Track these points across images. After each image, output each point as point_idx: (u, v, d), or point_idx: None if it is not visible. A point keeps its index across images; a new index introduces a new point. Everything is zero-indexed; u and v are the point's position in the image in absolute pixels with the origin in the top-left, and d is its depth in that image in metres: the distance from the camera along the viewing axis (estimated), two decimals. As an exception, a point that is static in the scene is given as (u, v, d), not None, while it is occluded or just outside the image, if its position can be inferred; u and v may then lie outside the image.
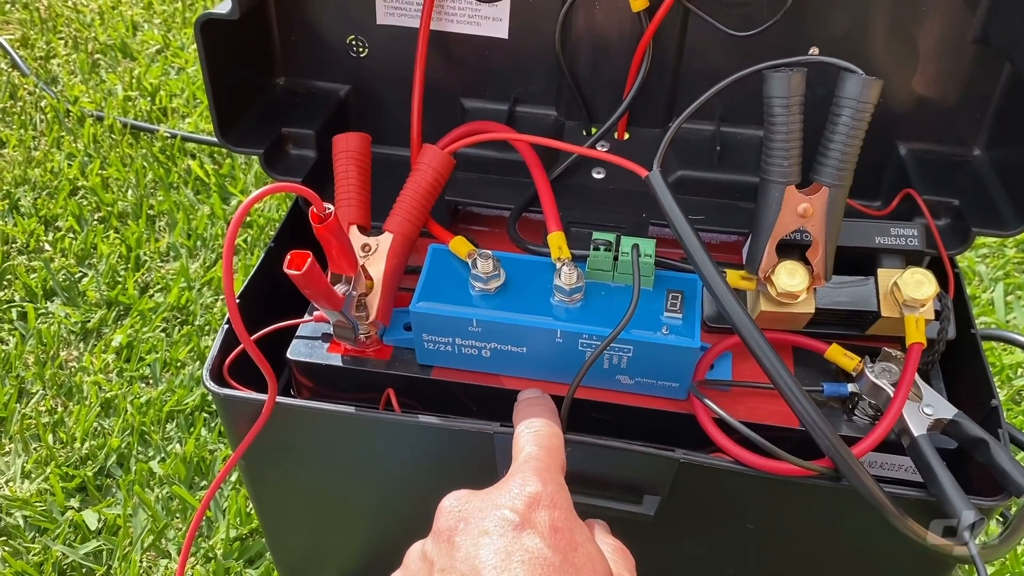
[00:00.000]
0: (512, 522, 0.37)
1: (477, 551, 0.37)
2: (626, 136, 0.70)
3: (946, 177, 0.64)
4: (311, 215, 0.49)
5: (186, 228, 1.15)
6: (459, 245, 0.56)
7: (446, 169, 0.59)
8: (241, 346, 0.58)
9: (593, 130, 0.69)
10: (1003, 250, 1.17)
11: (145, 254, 1.12)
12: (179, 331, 1.01)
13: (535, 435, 0.46)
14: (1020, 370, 0.97)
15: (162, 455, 0.88)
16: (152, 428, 0.90)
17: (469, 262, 0.54)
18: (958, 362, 0.60)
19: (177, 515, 0.83)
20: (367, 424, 0.54)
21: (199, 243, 1.13)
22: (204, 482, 0.85)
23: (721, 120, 0.67)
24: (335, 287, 0.54)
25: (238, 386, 0.56)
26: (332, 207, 0.49)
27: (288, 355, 0.58)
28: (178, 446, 0.88)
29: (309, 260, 0.47)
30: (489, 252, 0.54)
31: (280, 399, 0.54)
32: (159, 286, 1.08)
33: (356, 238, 0.57)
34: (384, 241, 0.57)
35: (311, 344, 0.59)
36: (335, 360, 0.58)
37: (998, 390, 0.90)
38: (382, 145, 0.73)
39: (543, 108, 0.70)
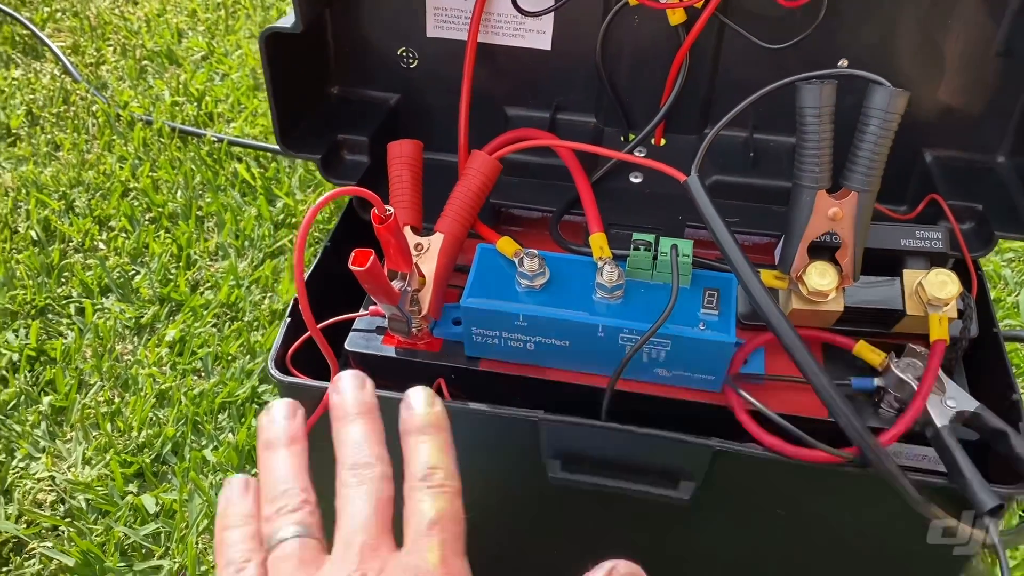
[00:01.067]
0: None
1: None
2: (662, 142, 0.73)
3: (970, 183, 0.67)
4: (373, 216, 0.53)
5: (234, 229, 1.19)
6: (506, 245, 0.59)
7: (494, 174, 0.62)
8: (302, 337, 0.62)
9: (631, 136, 0.72)
10: (1030, 254, 1.19)
11: (195, 253, 1.17)
12: (229, 326, 1.06)
13: (434, 492, 0.40)
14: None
15: (215, 444, 0.92)
16: (205, 418, 0.95)
17: (516, 261, 0.58)
18: (980, 359, 0.63)
19: (202, 498, 0.87)
20: (420, 411, 0.58)
21: (246, 243, 1.17)
22: (255, 470, 0.89)
23: (754, 128, 0.71)
24: (392, 283, 0.58)
25: (300, 375, 0.60)
26: (392, 209, 0.53)
27: (346, 346, 0.62)
28: (230, 435, 0.92)
29: (372, 257, 0.51)
30: (535, 251, 0.57)
31: (341, 387, 0.57)
32: (209, 284, 1.12)
33: (410, 238, 0.61)
34: (435, 241, 0.60)
35: (367, 336, 0.63)
36: (389, 351, 0.62)
37: (1020, 387, 0.92)
38: (430, 151, 0.76)
39: (583, 115, 0.74)
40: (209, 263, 1.16)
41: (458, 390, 0.63)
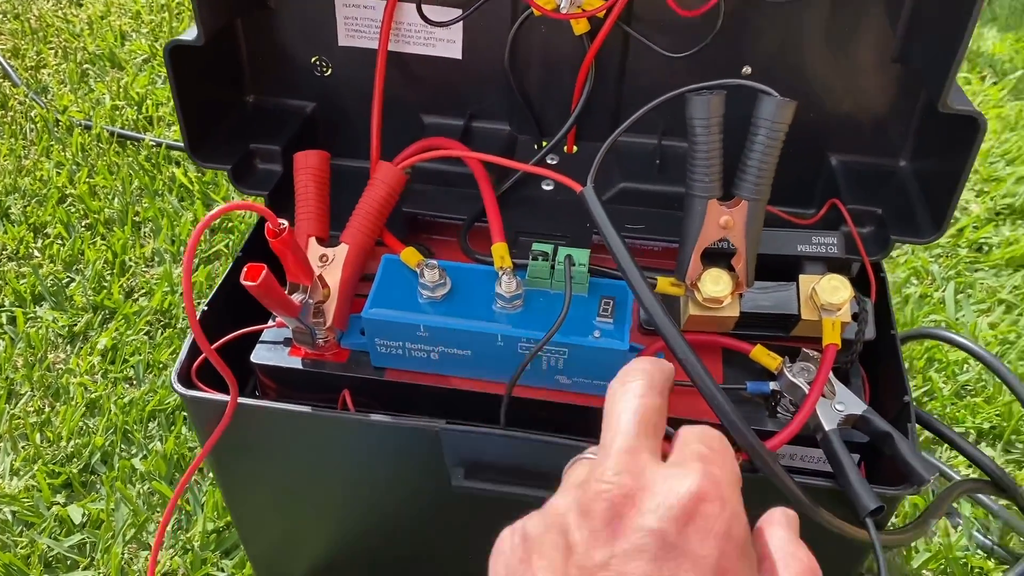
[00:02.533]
0: (671, 545, 0.31)
1: (629, 565, 0.31)
2: (575, 149, 0.74)
3: (872, 187, 0.68)
4: (267, 230, 0.53)
5: (170, 234, 1.19)
6: (409, 255, 0.60)
7: (399, 184, 0.63)
8: (226, 338, 0.63)
9: (544, 143, 0.73)
10: (956, 250, 1.21)
11: (130, 259, 1.16)
12: (162, 334, 1.05)
13: (699, 432, 0.36)
14: (966, 366, 1.01)
15: (144, 452, 0.92)
16: (135, 427, 0.94)
17: (417, 271, 0.58)
18: (879, 361, 0.64)
19: (158, 509, 0.87)
20: (322, 423, 0.58)
21: (182, 248, 1.17)
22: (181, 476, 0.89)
23: (663, 134, 0.71)
24: (293, 295, 0.58)
25: (206, 388, 0.61)
26: (286, 223, 0.53)
27: (252, 358, 0.62)
28: (159, 444, 0.92)
29: (264, 272, 0.51)
30: (435, 262, 0.58)
31: (241, 400, 0.58)
32: (143, 291, 1.12)
33: (314, 249, 0.61)
34: (340, 252, 0.61)
35: (274, 348, 0.63)
36: (296, 363, 0.62)
37: (943, 385, 0.94)
38: (348, 158, 0.77)
39: (497, 123, 0.74)
40: (144, 269, 1.15)
41: (369, 399, 0.63)
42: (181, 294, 1.10)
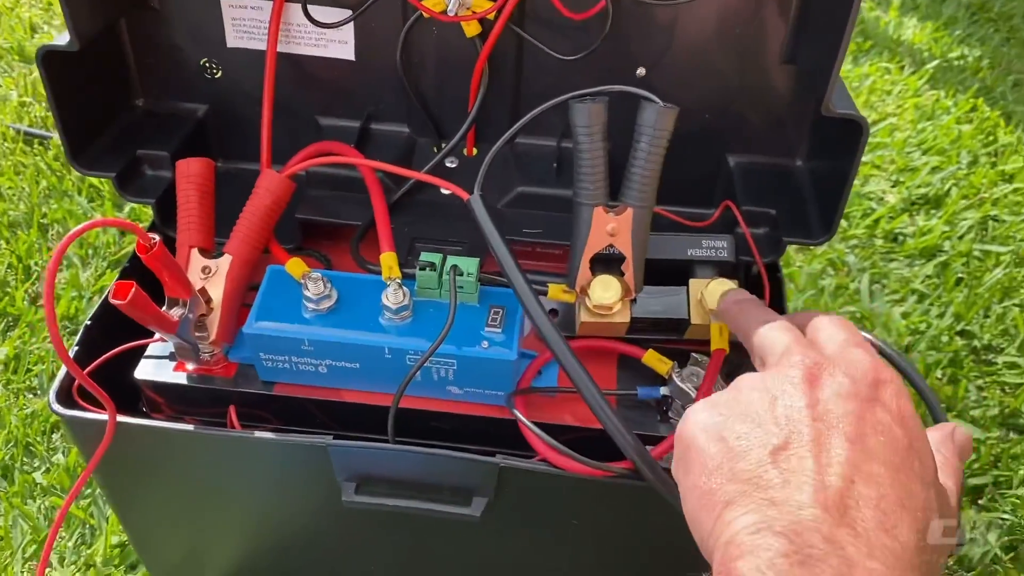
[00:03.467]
0: (863, 394, 0.36)
1: (834, 404, 0.36)
2: (475, 152, 0.73)
3: (768, 187, 0.68)
4: (137, 246, 0.51)
5: (86, 223, 1.15)
6: (294, 266, 0.58)
7: (285, 192, 0.61)
8: (90, 366, 0.60)
9: (444, 145, 0.72)
10: (872, 240, 1.23)
11: (36, 264, 1.12)
12: (67, 340, 1.02)
13: (838, 323, 0.42)
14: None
15: (47, 466, 0.89)
16: (37, 440, 0.91)
17: (302, 283, 0.57)
18: (773, 362, 0.65)
19: (63, 523, 0.85)
20: (206, 441, 0.57)
21: (91, 252, 1.13)
22: (88, 491, 0.87)
23: (562, 136, 0.71)
24: (172, 310, 0.56)
25: (88, 406, 0.58)
26: (157, 237, 0.51)
27: (136, 375, 0.61)
28: (62, 457, 0.90)
29: (132, 290, 0.50)
30: (319, 274, 0.57)
31: (120, 419, 0.56)
32: (50, 296, 1.08)
33: (197, 261, 0.59)
34: (223, 263, 0.59)
35: (159, 363, 0.61)
36: (181, 378, 0.60)
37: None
38: (244, 161, 0.76)
39: (395, 125, 0.73)
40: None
41: (262, 412, 0.62)
42: (88, 299, 1.07)
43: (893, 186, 1.34)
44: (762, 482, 0.34)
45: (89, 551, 0.83)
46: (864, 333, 0.58)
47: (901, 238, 1.25)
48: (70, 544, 0.83)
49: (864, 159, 1.39)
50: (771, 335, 0.42)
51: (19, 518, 0.84)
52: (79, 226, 0.47)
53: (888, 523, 0.32)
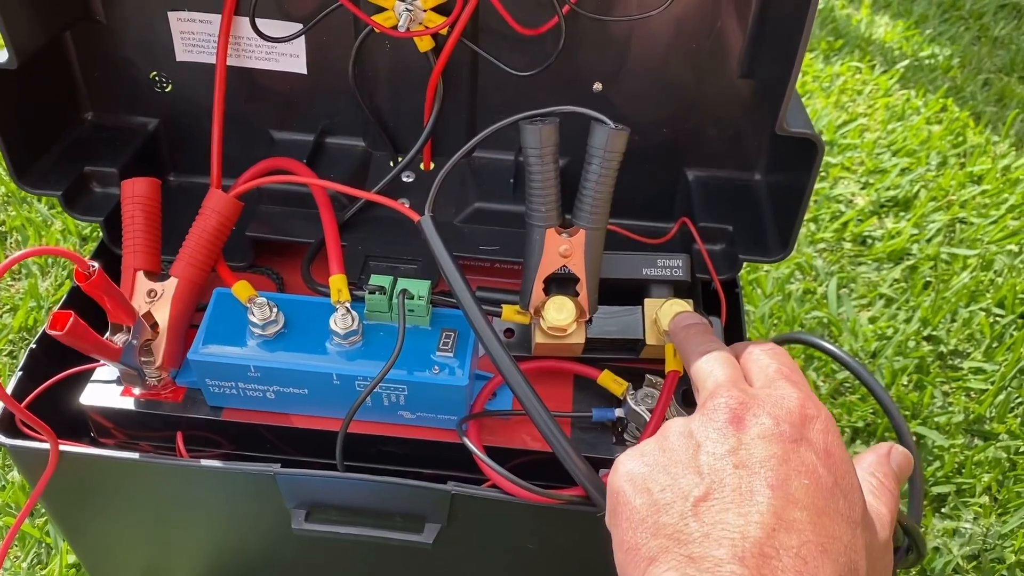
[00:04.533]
0: (787, 434, 0.36)
1: (757, 448, 0.36)
2: (431, 166, 0.72)
3: (725, 203, 0.68)
4: (76, 274, 0.50)
5: (37, 245, 1.13)
6: (241, 289, 0.57)
7: (232, 212, 0.60)
8: (36, 391, 0.59)
9: (400, 159, 0.71)
10: (840, 244, 1.23)
11: (-6, 273, 1.10)
12: (30, 345, 1.00)
13: (770, 352, 0.43)
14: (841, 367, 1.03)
15: (2, 484, 0.88)
16: (-7, 455, 0.90)
17: (247, 308, 0.56)
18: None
19: (15, 545, 0.83)
20: (152, 469, 0.56)
21: (50, 261, 1.11)
22: (43, 510, 0.85)
23: (519, 151, 0.70)
24: (114, 336, 0.55)
25: (33, 433, 0.57)
26: (96, 265, 0.50)
27: (81, 400, 0.59)
28: (16, 475, 0.88)
29: (71, 320, 0.48)
30: (265, 299, 0.55)
31: (64, 448, 0.54)
32: (7, 307, 1.06)
33: (142, 284, 0.58)
34: (169, 287, 0.58)
35: (106, 387, 0.60)
36: (128, 404, 0.59)
37: (821, 384, 0.95)
38: (196, 175, 0.74)
39: (351, 139, 0.72)
40: (9, 284, 1.09)
41: (213, 436, 0.61)
42: (47, 310, 1.05)
43: (862, 188, 1.34)
44: (683, 536, 0.34)
45: (44, 571, 0.81)
46: (824, 342, 0.57)
47: (870, 241, 1.25)
48: (24, 564, 0.82)
49: (834, 161, 1.39)
50: (705, 368, 0.42)
51: (-28, 539, 0.82)
52: (16, 255, 0.45)
53: (807, 571, 0.32)
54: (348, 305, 0.56)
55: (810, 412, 0.38)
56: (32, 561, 0.82)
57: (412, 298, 0.55)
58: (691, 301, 0.59)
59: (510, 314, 0.59)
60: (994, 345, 1.08)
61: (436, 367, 0.55)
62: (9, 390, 0.59)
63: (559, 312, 0.57)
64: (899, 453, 0.43)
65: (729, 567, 0.32)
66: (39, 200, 1.20)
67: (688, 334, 0.49)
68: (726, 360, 0.43)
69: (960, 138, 1.46)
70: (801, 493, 0.34)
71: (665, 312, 0.57)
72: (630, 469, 0.38)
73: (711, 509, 0.34)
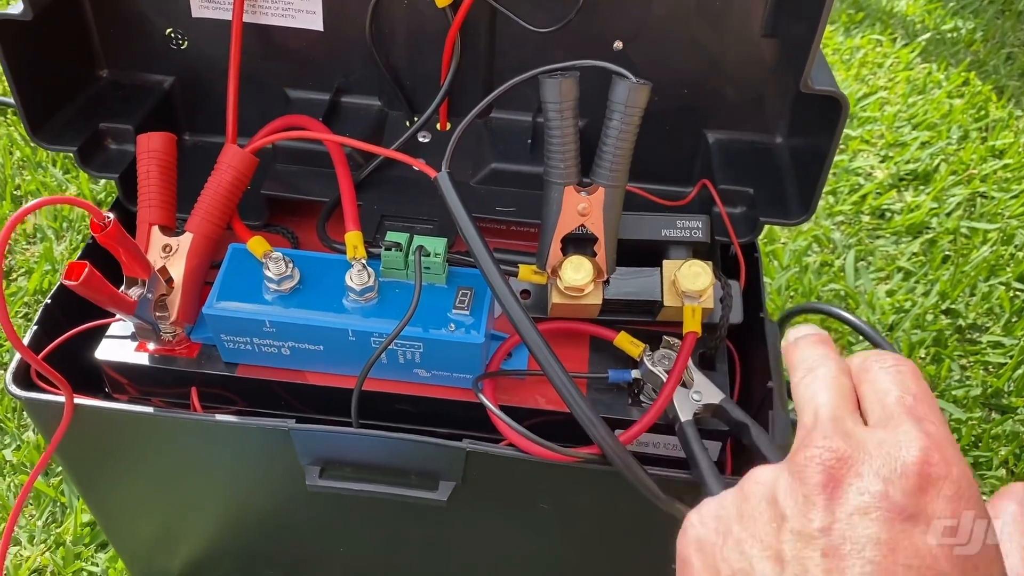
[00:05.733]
0: (898, 507, 0.28)
1: (855, 527, 0.28)
2: (448, 126, 0.71)
3: (746, 165, 0.67)
4: (91, 225, 0.50)
5: (52, 209, 1.13)
6: (256, 245, 0.57)
7: (247, 168, 0.60)
8: (53, 344, 0.59)
9: (416, 119, 0.70)
10: (859, 217, 1.22)
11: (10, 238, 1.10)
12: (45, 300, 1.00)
13: (893, 372, 0.33)
14: (861, 337, 1.02)
15: (17, 443, 0.88)
16: (7, 416, 0.90)
17: (263, 263, 0.55)
18: (749, 345, 0.64)
19: (30, 503, 0.84)
20: (167, 424, 0.56)
21: (65, 224, 1.11)
22: (59, 468, 0.86)
23: (538, 111, 0.69)
24: (130, 290, 0.55)
25: (47, 387, 0.57)
26: (112, 216, 0.50)
27: (96, 355, 0.59)
28: (32, 434, 0.88)
29: (85, 270, 0.48)
30: (280, 254, 0.55)
31: (79, 401, 0.55)
32: (23, 270, 1.06)
33: (157, 239, 0.58)
34: (184, 241, 0.58)
35: (121, 343, 0.60)
36: (143, 359, 0.59)
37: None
38: (211, 134, 0.74)
39: (366, 98, 0.71)
40: (25, 247, 1.10)
41: (227, 392, 0.61)
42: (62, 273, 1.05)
43: (882, 161, 1.32)
44: None
45: (59, 529, 0.82)
46: (842, 311, 0.56)
47: (888, 214, 1.23)
48: (39, 523, 0.82)
49: (853, 134, 1.37)
50: (808, 391, 0.34)
51: (-12, 496, 0.83)
52: (32, 203, 0.45)
53: None
54: (364, 262, 0.55)
55: (935, 470, 0.28)
56: (47, 519, 0.83)
57: (428, 255, 0.55)
58: (711, 263, 0.58)
59: (527, 274, 0.58)
60: (1013, 319, 1.06)
61: (452, 324, 0.54)
62: (24, 344, 0.58)
63: (576, 272, 0.56)
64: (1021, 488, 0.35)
65: None
66: (54, 164, 1.20)
67: (797, 347, 0.38)
68: (833, 384, 0.34)
69: (982, 112, 1.44)
70: None
71: (684, 273, 0.57)
72: (700, 535, 0.33)
73: None
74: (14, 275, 1.06)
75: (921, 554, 0.27)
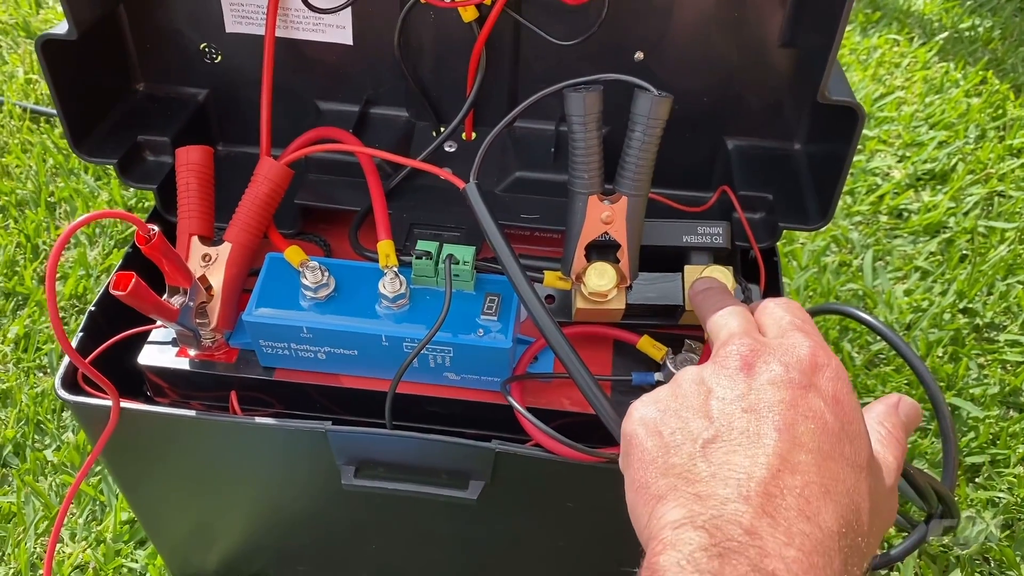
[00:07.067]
0: (796, 381, 0.37)
1: (766, 393, 0.37)
2: (473, 136, 0.73)
3: (765, 171, 0.68)
4: (137, 237, 0.52)
5: (86, 215, 1.16)
6: (293, 254, 0.59)
7: (283, 179, 0.62)
8: (100, 348, 0.62)
9: (443, 129, 0.72)
10: (876, 217, 1.23)
11: (44, 243, 1.13)
12: (76, 320, 1.04)
13: (784, 305, 0.44)
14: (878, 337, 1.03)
15: (57, 444, 0.91)
16: (48, 417, 0.93)
17: (300, 271, 0.58)
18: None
19: (72, 501, 0.86)
20: (208, 426, 0.58)
21: (98, 230, 1.14)
22: (98, 468, 0.89)
23: (561, 120, 0.71)
24: (172, 298, 0.57)
25: (93, 391, 0.60)
26: (156, 228, 0.52)
27: (139, 360, 0.62)
28: (71, 435, 0.91)
29: (132, 281, 0.50)
30: (316, 263, 0.57)
31: (124, 405, 0.57)
32: (59, 275, 1.09)
33: (197, 249, 0.60)
34: (223, 251, 0.60)
35: (162, 348, 0.62)
36: (183, 364, 0.61)
37: (856, 355, 0.96)
38: (244, 145, 0.76)
39: (394, 109, 0.73)
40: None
41: (264, 396, 0.63)
42: (96, 278, 1.08)
43: (899, 161, 1.33)
44: (691, 476, 0.35)
45: (99, 527, 0.84)
46: (859, 312, 0.58)
47: (906, 214, 1.24)
48: (80, 521, 0.85)
49: (871, 134, 1.38)
50: (720, 321, 0.44)
51: (31, 495, 0.86)
52: (76, 220, 0.48)
53: (810, 510, 0.33)
54: (396, 270, 0.58)
55: (820, 360, 0.38)
56: (87, 518, 0.86)
57: (457, 263, 0.57)
58: (731, 268, 0.60)
59: (552, 280, 0.60)
60: (1031, 318, 1.07)
61: (480, 330, 0.56)
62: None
63: (600, 278, 0.58)
64: (908, 404, 0.44)
65: (734, 505, 0.33)
66: (86, 171, 1.23)
67: (705, 295, 0.51)
68: (740, 313, 0.44)
69: (1000, 111, 1.44)
70: (807, 437, 0.35)
71: (705, 278, 0.58)
72: (643, 414, 0.39)
73: (719, 451, 0.35)
74: (50, 280, 1.09)
75: (813, 408, 0.36)
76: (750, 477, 0.34)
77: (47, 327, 1.02)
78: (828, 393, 0.37)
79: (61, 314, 1.05)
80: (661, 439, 0.38)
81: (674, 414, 0.38)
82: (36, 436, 0.92)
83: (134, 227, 0.52)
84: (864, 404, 0.41)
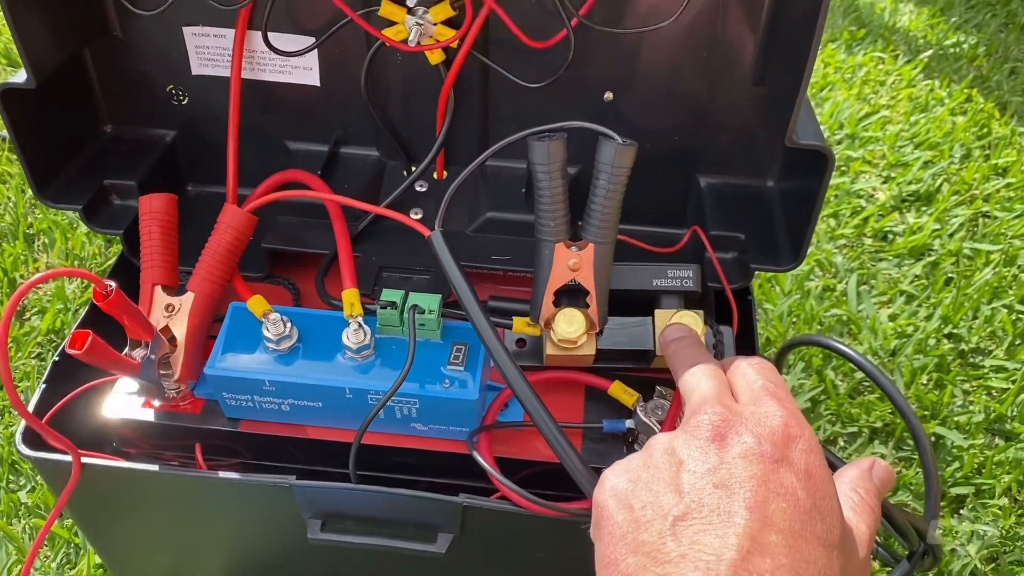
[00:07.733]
0: (768, 455, 0.37)
1: (738, 467, 0.36)
2: (445, 175, 0.72)
3: (738, 210, 0.68)
4: (94, 294, 0.51)
5: (64, 248, 1.15)
6: (256, 304, 0.58)
7: (247, 227, 0.61)
8: (56, 406, 0.61)
9: (413, 168, 0.71)
10: (861, 240, 1.22)
11: (21, 277, 1.12)
12: (53, 356, 1.02)
13: (757, 367, 0.43)
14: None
15: (32, 485, 0.90)
16: (22, 459, 0.92)
17: (262, 323, 0.57)
18: (742, 389, 0.64)
19: (45, 544, 0.85)
20: (172, 481, 0.57)
21: (77, 263, 1.14)
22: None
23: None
24: (134, 351, 0.56)
25: (56, 444, 0.58)
26: (113, 284, 0.51)
27: (103, 412, 0.61)
28: (46, 476, 0.90)
29: (90, 338, 0.49)
30: (279, 314, 0.56)
31: (86, 460, 0.56)
32: (35, 310, 1.08)
33: (160, 299, 0.59)
34: (186, 301, 0.59)
35: (127, 399, 0.61)
36: (149, 416, 0.60)
37: (839, 383, 0.95)
38: (213, 185, 0.75)
39: (365, 149, 0.73)
40: (37, 287, 1.12)
41: (232, 445, 0.62)
42: (74, 312, 1.07)
43: (884, 182, 1.33)
44: (660, 555, 0.34)
45: (73, 571, 0.83)
46: (837, 343, 0.57)
47: (891, 236, 1.23)
48: (54, 565, 0.84)
49: (854, 155, 1.37)
50: (692, 381, 0.43)
51: (4, 539, 0.85)
52: (36, 276, 0.47)
53: None
54: (360, 320, 0.57)
55: (793, 431, 0.38)
56: (61, 561, 0.85)
57: (423, 312, 0.56)
58: (701, 312, 0.59)
59: (521, 326, 0.60)
60: (1017, 343, 1.07)
61: (447, 380, 0.56)
62: (32, 403, 0.60)
63: (569, 324, 0.57)
64: (881, 468, 0.44)
65: None
66: (65, 203, 1.22)
67: (677, 347, 0.50)
68: (713, 373, 0.43)
69: (985, 129, 1.44)
70: (778, 516, 0.35)
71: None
72: (615, 484, 0.39)
73: (689, 529, 0.35)
74: (27, 314, 1.08)
75: (785, 485, 0.36)
76: (719, 559, 0.33)
77: (22, 364, 1.01)
78: (800, 467, 0.37)
79: (39, 349, 1.04)
80: (632, 513, 0.37)
81: (645, 486, 0.37)
82: (11, 477, 0.91)
83: (114, 259, 0.51)
84: (849, 458, 0.40)
